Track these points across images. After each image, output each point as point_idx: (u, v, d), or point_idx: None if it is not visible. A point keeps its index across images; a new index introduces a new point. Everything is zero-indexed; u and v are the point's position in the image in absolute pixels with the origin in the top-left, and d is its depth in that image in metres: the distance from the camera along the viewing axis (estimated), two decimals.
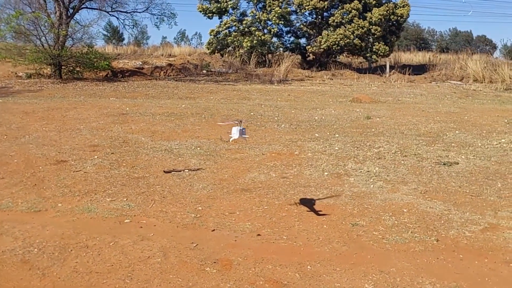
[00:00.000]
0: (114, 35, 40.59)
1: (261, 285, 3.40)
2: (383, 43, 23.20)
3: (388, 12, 22.87)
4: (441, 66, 24.37)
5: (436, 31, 50.77)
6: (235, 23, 23.34)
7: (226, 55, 24.16)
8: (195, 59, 24.07)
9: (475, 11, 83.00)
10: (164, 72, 21.01)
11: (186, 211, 4.87)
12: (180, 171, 6.33)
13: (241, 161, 6.91)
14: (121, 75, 19.81)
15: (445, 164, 6.82)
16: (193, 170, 6.38)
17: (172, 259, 3.75)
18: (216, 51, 24.15)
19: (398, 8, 23.61)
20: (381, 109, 12.45)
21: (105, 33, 39.84)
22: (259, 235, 4.31)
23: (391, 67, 23.45)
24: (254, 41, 22.33)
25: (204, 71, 21.90)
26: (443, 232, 4.43)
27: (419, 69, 24.26)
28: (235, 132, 5.07)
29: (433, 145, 8.06)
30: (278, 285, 3.41)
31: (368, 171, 6.44)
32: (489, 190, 5.69)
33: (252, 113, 10.99)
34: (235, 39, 22.91)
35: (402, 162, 6.97)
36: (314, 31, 23.83)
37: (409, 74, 22.20)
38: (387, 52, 23.58)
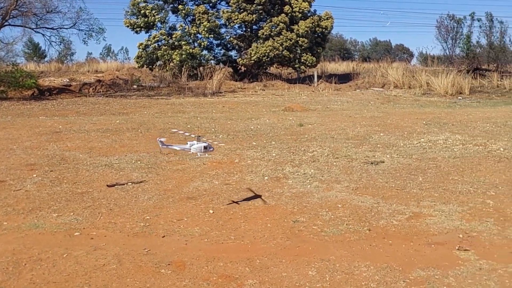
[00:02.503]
0: (36, 52, 38.96)
1: (214, 280, 3.66)
2: (310, 54, 24.25)
3: (313, 24, 23.99)
4: (364, 74, 25.82)
5: (358, 42, 53.53)
6: (164, 36, 23.41)
7: (157, 69, 24.12)
8: (124, 74, 23.82)
9: (393, 22, 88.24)
10: (93, 89, 20.60)
11: (134, 221, 5.03)
12: (123, 184, 6.43)
13: (183, 172, 7.11)
14: (48, 93, 19.20)
15: (372, 163, 7.44)
16: (137, 183, 6.50)
17: (127, 264, 3.92)
18: (146, 65, 24.05)
19: (322, 20, 24.82)
20: (312, 116, 13.11)
21: (26, 50, 38.22)
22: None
23: (319, 77, 24.55)
24: (184, 55, 22.51)
25: (135, 86, 21.73)
26: (374, 222, 4.93)
27: (344, 78, 25.57)
28: (198, 149, 5.22)
29: (360, 147, 8.70)
30: (230, 279, 3.69)
31: (305, 173, 6.89)
32: (412, 184, 6.32)
33: (188, 126, 11.20)
34: (165, 52, 22.96)
35: (334, 163, 7.50)
36: (244, 43, 24.45)
37: (335, 83, 23.34)
38: (315, 63, 24.66)
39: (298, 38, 23.48)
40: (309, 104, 16.36)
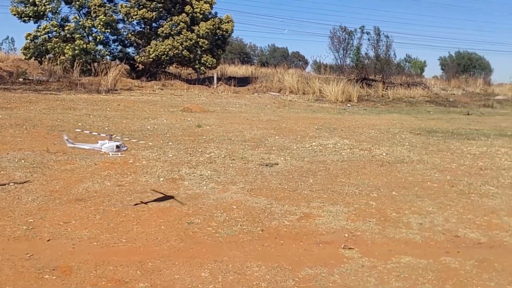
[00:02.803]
0: None
1: (103, 285, 3.50)
2: (210, 55, 24.27)
3: (214, 26, 24.04)
4: (262, 79, 26.44)
5: (258, 47, 54.62)
6: (56, 28, 21.91)
7: (46, 62, 22.49)
8: (9, 66, 21.90)
9: (290, 30, 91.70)
10: None
11: (16, 224, 4.63)
12: (4, 184, 5.90)
13: (73, 172, 6.72)
14: None
15: (267, 165, 7.63)
16: (20, 183, 6.00)
17: (7, 271, 3.60)
18: (34, 58, 22.33)
19: (223, 23, 24.97)
20: (210, 118, 13.13)
21: None
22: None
23: (218, 79, 24.66)
24: (77, 49, 21.28)
25: (21, 79, 20.05)
26: (267, 223, 5.06)
27: (243, 81, 25.98)
28: (110, 148, 4.97)
29: (256, 149, 8.89)
30: (120, 283, 3.55)
31: (201, 175, 6.87)
32: (303, 185, 6.60)
33: (79, 124, 10.61)
34: (56, 45, 21.48)
35: (231, 165, 7.58)
36: (143, 40, 23.75)
37: (234, 86, 23.62)
38: (215, 64, 24.72)
39: (198, 39, 23.38)
40: (208, 106, 16.36)
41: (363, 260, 4.18)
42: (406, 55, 42.12)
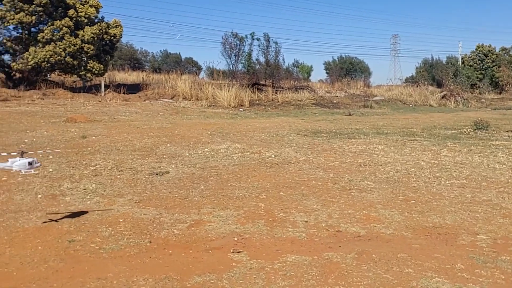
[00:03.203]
0: None
1: None
2: (97, 61, 23.23)
3: (101, 31, 23.06)
4: (154, 85, 25.96)
5: (149, 52, 53.46)
6: None
7: None
8: None
9: (183, 35, 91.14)
10: None
11: None
12: None
13: None
14: None
15: (157, 174, 7.46)
16: None
17: None
18: None
19: (111, 28, 24.06)
20: (97, 128, 12.54)
21: None
22: None
23: (106, 86, 23.68)
24: None
25: None
26: (156, 234, 4.92)
27: (133, 88, 25.24)
28: (21, 165, 4.60)
29: (147, 158, 8.66)
30: None
31: (85, 189, 6.51)
32: (194, 192, 6.54)
33: None
34: None
35: (118, 176, 7.28)
36: (21, 47, 22.02)
37: (124, 93, 22.86)
38: (102, 71, 23.70)
39: (83, 45, 22.27)
40: (94, 115, 15.62)
41: (251, 263, 4.24)
42: (294, 60, 44.15)
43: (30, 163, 4.77)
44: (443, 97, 32.70)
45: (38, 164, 4.93)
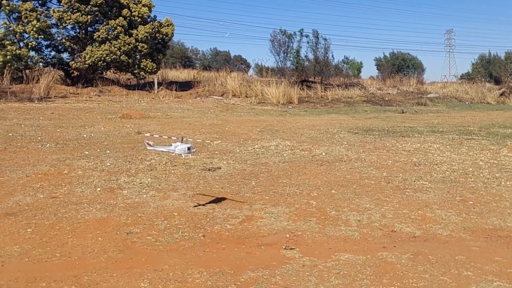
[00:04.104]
0: None
1: None
2: (150, 60, 23.85)
3: (153, 30, 23.65)
4: (205, 83, 26.36)
5: (199, 50, 54.48)
6: None
7: None
8: None
9: (232, 33, 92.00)
10: None
11: None
12: None
13: (2, 185, 6.35)
14: None
15: (209, 170, 7.58)
16: None
17: None
18: None
19: (163, 27, 24.63)
20: (151, 124, 12.89)
21: None
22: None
23: (159, 84, 24.28)
24: (8, 56, 20.24)
25: None
26: (209, 228, 5.01)
27: (185, 86, 25.75)
28: (182, 150, 5.30)
29: (199, 154, 8.81)
30: None
31: (141, 183, 6.70)
32: (246, 188, 6.60)
33: (10, 134, 10.09)
34: None
35: (173, 171, 7.46)
36: (78, 46, 22.97)
37: (176, 90, 23.36)
38: (155, 69, 24.32)
39: (137, 43, 22.92)
40: (148, 111, 16.06)
41: (304, 260, 4.23)
42: (344, 56, 43.56)
43: (188, 148, 5.46)
44: (501, 94, 31.23)
45: (194, 150, 5.65)
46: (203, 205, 5.75)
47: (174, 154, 5.66)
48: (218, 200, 5.95)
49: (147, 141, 5.52)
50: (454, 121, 17.04)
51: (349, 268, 4.05)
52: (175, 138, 5.57)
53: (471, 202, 6.04)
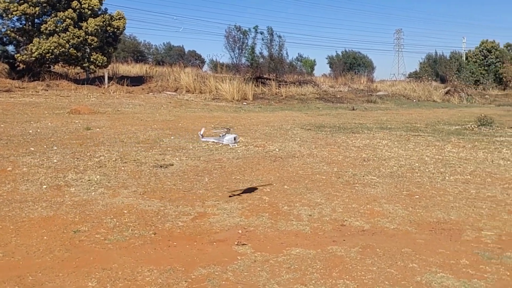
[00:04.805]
0: None
1: None
2: (100, 53, 23.18)
3: (104, 23, 23.00)
4: (158, 78, 25.91)
5: (152, 45, 53.45)
6: None
7: None
8: None
9: (186, 28, 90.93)
10: None
11: None
12: None
13: None
14: None
15: (161, 167, 7.47)
16: None
17: None
18: None
19: (114, 20, 23.99)
20: (101, 119, 12.55)
21: None
22: None
23: (110, 78, 23.66)
24: None
25: None
26: (160, 226, 4.94)
27: (137, 81, 25.22)
28: (229, 140, 5.74)
29: (151, 150, 8.67)
30: None
31: (89, 180, 6.52)
32: (198, 185, 6.55)
33: None
34: None
35: (123, 168, 7.29)
36: (24, 38, 21.98)
37: (127, 85, 22.84)
38: (105, 63, 23.67)
39: (87, 36, 22.21)
40: (98, 107, 15.62)
41: (255, 255, 4.25)
42: (298, 54, 44.07)
43: (235, 138, 5.80)
44: (447, 92, 32.58)
45: (239, 140, 6.16)
46: (239, 194, 6.12)
47: (222, 144, 6.13)
48: (250, 190, 6.35)
49: (200, 133, 5.83)
50: (402, 118, 17.62)
51: (300, 262, 4.11)
52: (221, 129, 5.99)
53: (417, 196, 6.26)
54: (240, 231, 4.88)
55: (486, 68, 43.14)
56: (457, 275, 3.87)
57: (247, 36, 28.97)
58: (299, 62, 39.27)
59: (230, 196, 6.01)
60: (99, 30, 22.61)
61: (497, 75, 42.21)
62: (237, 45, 29.27)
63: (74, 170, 6.98)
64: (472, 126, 14.53)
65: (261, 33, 28.63)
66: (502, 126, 14.86)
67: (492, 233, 4.91)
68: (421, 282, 3.73)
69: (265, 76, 28.40)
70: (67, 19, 21.64)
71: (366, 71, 43.25)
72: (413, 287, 3.65)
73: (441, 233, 4.94)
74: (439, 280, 3.77)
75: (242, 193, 6.20)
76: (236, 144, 6.22)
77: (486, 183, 7.02)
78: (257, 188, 6.43)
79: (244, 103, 21.64)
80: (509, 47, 45.99)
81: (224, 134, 5.82)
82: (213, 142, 6.43)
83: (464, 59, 45.47)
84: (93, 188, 6.17)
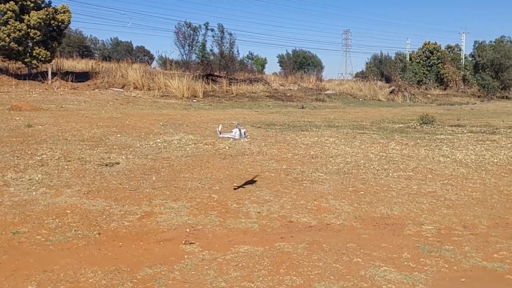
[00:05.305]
0: None
1: None
2: (43, 48, 22.25)
3: (48, 16, 22.08)
4: (104, 74, 25.17)
5: (99, 40, 51.87)
6: None
7: None
8: None
9: (134, 23, 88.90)
10: None
11: None
12: None
13: None
14: None
15: (107, 165, 7.27)
16: None
17: None
18: None
19: (58, 13, 23.08)
20: (43, 116, 12.07)
21: None
22: None
23: (54, 74, 22.76)
24: None
25: None
26: (105, 226, 4.81)
27: (82, 77, 24.40)
28: (236, 133, 6.20)
29: (96, 148, 8.43)
30: None
31: (30, 179, 6.25)
32: (145, 184, 6.43)
33: None
34: None
35: (66, 167, 7.05)
36: None
37: (72, 81, 22.06)
38: (49, 58, 22.74)
39: (29, 30, 21.25)
40: (41, 103, 15.01)
41: (203, 254, 4.22)
42: (249, 52, 44.14)
43: (244, 133, 6.37)
44: (391, 92, 33.70)
45: (246, 135, 6.61)
46: (242, 186, 6.47)
47: (234, 138, 6.65)
48: (251, 182, 6.72)
49: (218, 129, 6.34)
50: (348, 117, 18.07)
51: (248, 259, 4.12)
52: (234, 123, 6.46)
53: (362, 192, 6.44)
54: (188, 230, 4.83)
55: (428, 68, 44.95)
56: (399, 268, 4.01)
57: (198, 33, 28.74)
58: (250, 60, 39.43)
59: (235, 189, 6.36)
60: (42, 23, 21.70)
61: (438, 76, 44.11)
62: (187, 41, 28.96)
63: (14, 169, 6.67)
64: (415, 124, 15.11)
65: (212, 30, 28.49)
66: (443, 125, 15.56)
67: (432, 227, 5.13)
68: (365, 276, 3.84)
69: (215, 73, 28.27)
70: (8, 12, 20.62)
71: (315, 70, 44.01)
72: (357, 281, 3.75)
73: (385, 228, 5.11)
74: (382, 274, 3.89)
75: (245, 184, 6.59)
76: (246, 139, 7.28)
77: (427, 179, 7.33)
78: (256, 181, 6.83)
79: (194, 100, 21.45)
80: (449, 49, 48.16)
81: (234, 129, 6.35)
82: (229, 137, 6.88)
83: (408, 59, 47.20)
84: (34, 187, 5.92)
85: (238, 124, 6.39)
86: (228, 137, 6.80)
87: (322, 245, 4.52)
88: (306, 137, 11.21)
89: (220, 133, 6.40)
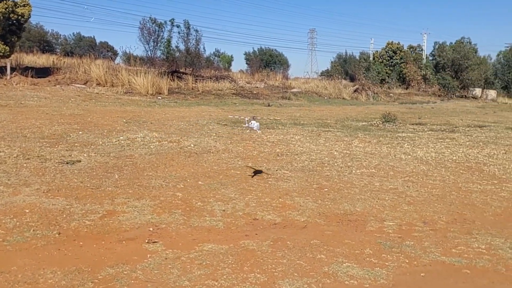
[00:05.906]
0: None
1: None
2: (2, 42, 21.43)
3: (7, 10, 21.24)
4: (66, 70, 24.47)
5: (61, 35, 50.51)
6: None
7: None
8: None
9: (97, 18, 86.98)
10: None
11: None
12: None
13: None
14: None
15: (68, 163, 7.09)
16: None
17: None
18: None
19: (18, 7, 22.24)
20: (1, 113, 11.65)
21: None
22: None
23: (13, 69, 21.96)
24: None
25: None
26: (65, 225, 4.68)
27: (43, 72, 23.66)
28: (256, 126, 7.18)
29: (56, 146, 8.20)
30: None
31: None
32: (108, 182, 6.31)
33: None
34: None
35: (25, 165, 6.83)
36: None
37: (32, 77, 21.36)
38: (8, 53, 21.91)
39: None
40: None
41: (167, 253, 4.18)
42: (215, 49, 43.95)
43: (258, 126, 7.39)
44: (355, 91, 34.23)
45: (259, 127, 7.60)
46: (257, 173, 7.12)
47: (252, 130, 7.50)
48: (258, 172, 7.22)
49: (246, 119, 7.30)
50: (314, 115, 18.25)
51: (212, 258, 4.10)
52: (249, 117, 7.34)
53: (326, 189, 6.52)
54: (151, 229, 4.77)
55: (391, 68, 45.89)
56: (361, 264, 4.09)
57: (163, 29, 28.29)
58: (216, 58, 39.28)
59: (251, 176, 6.98)
60: (1, 17, 20.87)
61: (401, 75, 45.09)
62: (152, 37, 28.46)
63: None
64: (378, 122, 15.42)
65: (178, 26, 28.13)
66: (404, 123, 15.94)
67: (394, 223, 5.25)
68: (328, 272, 3.89)
69: (181, 70, 27.96)
70: None
71: (282, 68, 44.24)
72: (320, 277, 3.79)
73: (348, 224, 5.19)
74: (345, 269, 3.95)
75: (254, 174, 7.11)
76: (260, 131, 8.74)
77: (389, 176, 7.49)
78: (261, 172, 7.27)
79: (159, 97, 21.17)
80: (412, 49, 49.32)
81: (249, 120, 7.19)
82: (253, 128, 7.35)
83: (372, 59, 48.07)
84: None
85: (255, 117, 7.53)
86: (252, 127, 7.30)
87: (286, 242, 4.55)
88: (272, 134, 11.26)
89: (247, 124, 7.22)
